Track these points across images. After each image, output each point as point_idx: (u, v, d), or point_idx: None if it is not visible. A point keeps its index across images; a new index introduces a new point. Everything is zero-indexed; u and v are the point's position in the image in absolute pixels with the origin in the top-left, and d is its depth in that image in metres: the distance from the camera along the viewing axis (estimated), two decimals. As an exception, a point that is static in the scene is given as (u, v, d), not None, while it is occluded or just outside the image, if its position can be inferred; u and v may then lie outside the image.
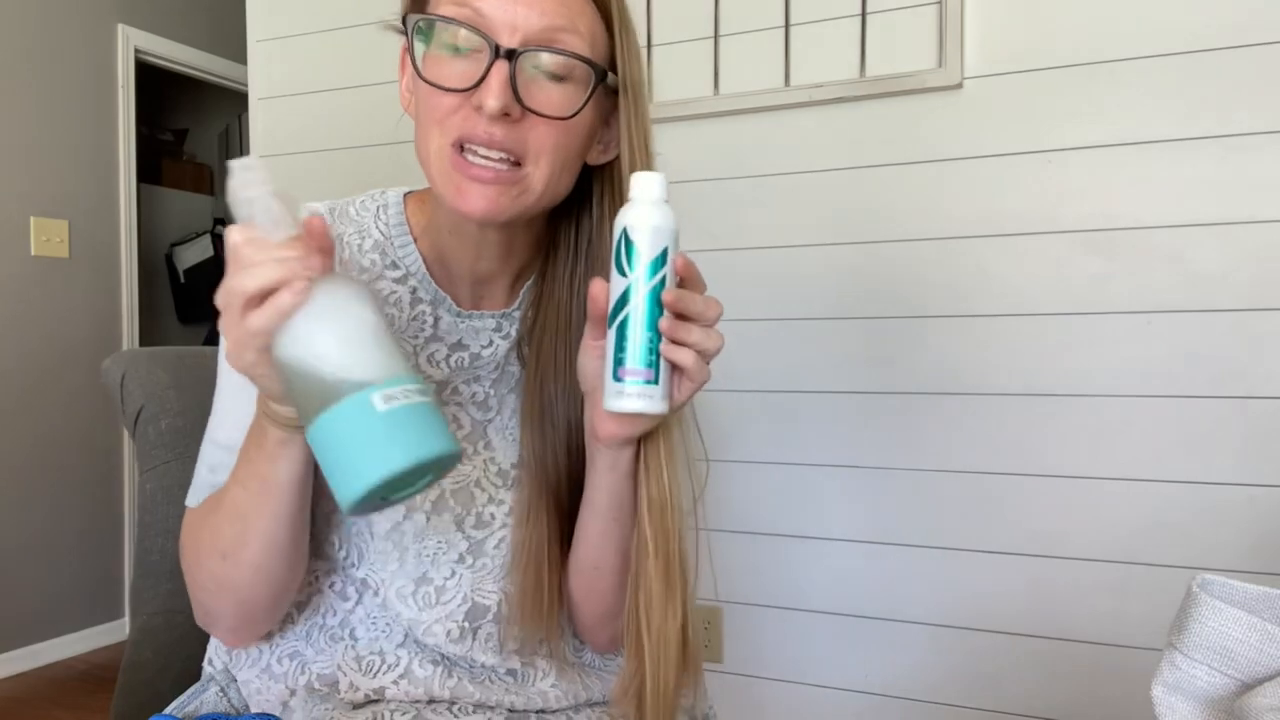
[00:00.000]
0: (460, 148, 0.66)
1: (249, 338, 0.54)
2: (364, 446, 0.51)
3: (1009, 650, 1.57)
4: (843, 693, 1.69)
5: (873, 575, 1.66)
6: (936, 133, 1.58)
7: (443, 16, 0.65)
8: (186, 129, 4.38)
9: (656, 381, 0.63)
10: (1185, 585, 0.49)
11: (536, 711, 0.77)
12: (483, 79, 0.63)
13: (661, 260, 0.62)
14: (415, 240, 0.77)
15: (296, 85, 2.14)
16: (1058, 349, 1.53)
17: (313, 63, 2.11)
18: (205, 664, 0.84)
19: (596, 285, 0.64)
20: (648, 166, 0.72)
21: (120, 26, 3.06)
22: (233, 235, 0.55)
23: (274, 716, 0.76)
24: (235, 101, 3.56)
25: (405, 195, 0.80)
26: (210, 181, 4.43)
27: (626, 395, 0.63)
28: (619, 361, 0.63)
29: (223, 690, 0.81)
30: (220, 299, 0.55)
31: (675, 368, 0.64)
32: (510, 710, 0.75)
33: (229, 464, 0.70)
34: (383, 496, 0.53)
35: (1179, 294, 1.46)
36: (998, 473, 1.57)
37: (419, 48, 0.67)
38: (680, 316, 0.62)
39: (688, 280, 0.63)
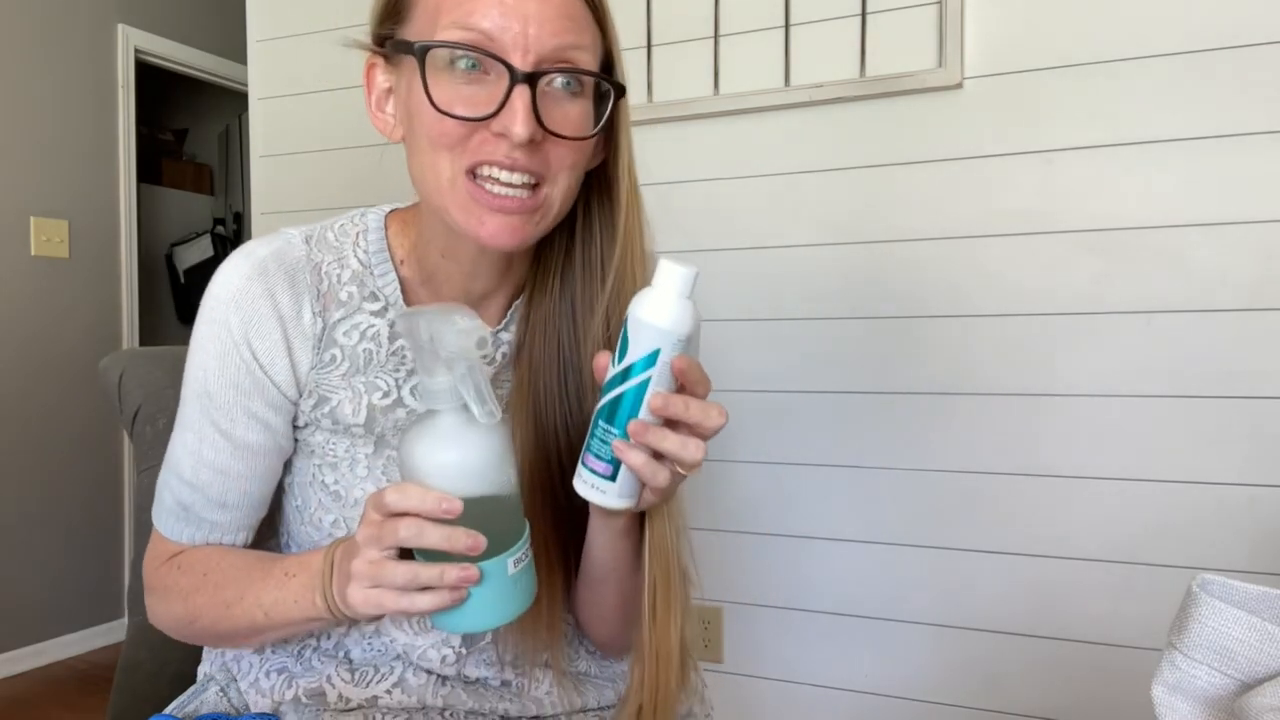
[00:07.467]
0: (473, 173, 0.63)
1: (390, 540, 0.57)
2: (491, 603, 0.59)
3: (1009, 650, 1.57)
4: (843, 693, 1.69)
5: (873, 575, 1.66)
6: (936, 133, 1.58)
7: (451, 43, 0.61)
8: (186, 129, 4.38)
9: (614, 479, 0.60)
10: (1185, 585, 0.49)
11: (531, 718, 0.77)
12: (503, 105, 0.61)
13: (649, 362, 0.57)
14: (397, 267, 0.73)
15: (296, 85, 2.13)
16: (1058, 349, 1.52)
17: (313, 63, 2.11)
18: (200, 669, 0.84)
19: (600, 358, 0.61)
20: (632, 163, 0.70)
21: (120, 26, 3.06)
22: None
23: (274, 717, 0.76)
24: (235, 101, 3.55)
25: (387, 215, 0.76)
26: (210, 181, 4.43)
27: (584, 481, 0.61)
28: (586, 447, 0.61)
29: (223, 690, 0.81)
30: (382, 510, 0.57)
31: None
32: (503, 717, 0.75)
33: (199, 502, 0.72)
34: None
35: (1179, 294, 1.45)
36: (998, 473, 1.57)
37: (417, 72, 0.63)
38: (670, 421, 0.59)
39: (687, 384, 0.58)
